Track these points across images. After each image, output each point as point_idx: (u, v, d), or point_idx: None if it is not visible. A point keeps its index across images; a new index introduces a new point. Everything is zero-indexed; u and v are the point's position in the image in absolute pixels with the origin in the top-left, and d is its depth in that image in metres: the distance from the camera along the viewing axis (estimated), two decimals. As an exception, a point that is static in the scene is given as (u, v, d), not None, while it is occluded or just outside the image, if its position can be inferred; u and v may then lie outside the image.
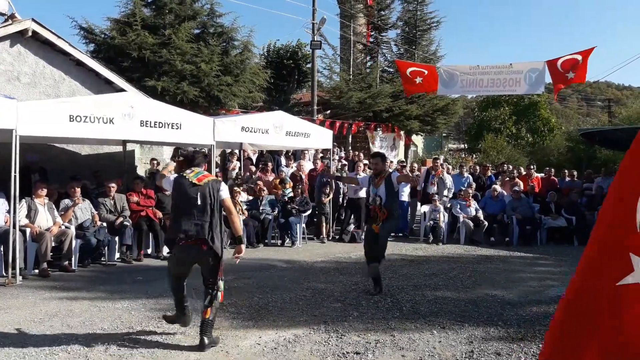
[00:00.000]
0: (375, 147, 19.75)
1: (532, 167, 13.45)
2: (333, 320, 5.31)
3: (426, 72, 15.23)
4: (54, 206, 7.83)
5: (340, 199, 11.73)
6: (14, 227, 6.73)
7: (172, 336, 4.76)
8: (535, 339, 4.84)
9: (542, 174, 13.55)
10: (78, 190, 8.06)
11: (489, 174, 13.40)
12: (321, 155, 13.81)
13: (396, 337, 4.86)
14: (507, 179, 12.56)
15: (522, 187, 11.85)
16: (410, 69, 15.23)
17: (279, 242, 10.36)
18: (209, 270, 4.51)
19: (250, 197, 10.73)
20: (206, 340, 4.37)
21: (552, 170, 13.61)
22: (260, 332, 4.94)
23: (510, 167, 14.28)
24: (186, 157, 4.89)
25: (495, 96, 30.21)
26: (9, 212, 7.14)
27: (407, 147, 24.06)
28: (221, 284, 4.53)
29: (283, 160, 13.39)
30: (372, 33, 24.04)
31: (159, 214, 8.88)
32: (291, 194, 10.95)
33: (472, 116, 37.19)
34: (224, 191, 4.69)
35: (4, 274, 6.88)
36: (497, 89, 15.50)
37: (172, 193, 4.70)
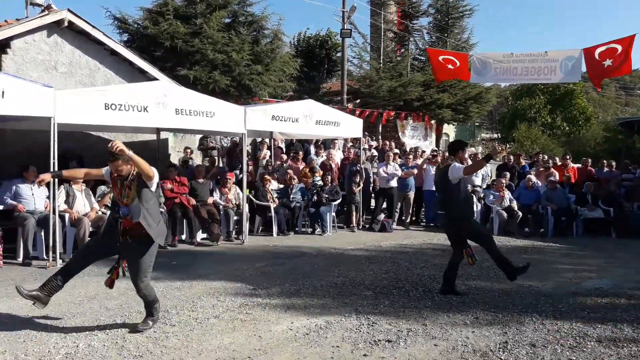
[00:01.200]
0: (406, 137, 19.57)
1: (567, 157, 13.11)
2: (364, 308, 5.31)
3: (458, 62, 14.93)
4: (90, 192, 8.02)
5: (371, 188, 11.69)
6: (54, 212, 6.93)
7: (206, 320, 4.84)
8: (572, 331, 4.74)
9: (579, 164, 13.21)
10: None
11: (523, 163, 13.13)
12: (351, 144, 13.77)
13: (428, 326, 4.82)
14: (542, 169, 12.30)
15: (557, 177, 11.59)
16: (441, 57, 14.96)
17: (309, 230, 10.39)
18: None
19: (281, 186, 10.78)
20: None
21: (589, 160, 13.25)
22: (292, 317, 4.98)
23: (545, 157, 13.95)
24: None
25: (530, 85, 29.52)
26: (48, 198, 7.35)
27: (438, 137, 23.76)
28: None
29: (313, 149, 13.40)
30: (403, 21, 23.73)
31: (192, 201, 9.01)
32: (320, 183, 10.95)
33: (505, 105, 36.46)
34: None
35: (45, 258, 7.11)
36: (532, 77, 15.08)
37: None
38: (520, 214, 10.75)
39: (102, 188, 8.17)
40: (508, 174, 12.15)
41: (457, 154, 5.98)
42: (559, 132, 31.03)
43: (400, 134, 19.65)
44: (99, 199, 8.06)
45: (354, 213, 10.97)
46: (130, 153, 4.31)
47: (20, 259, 7.14)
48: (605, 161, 13.33)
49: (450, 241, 6.14)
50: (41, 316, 4.82)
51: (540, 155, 14.24)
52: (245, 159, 9.45)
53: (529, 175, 11.55)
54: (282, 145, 13.22)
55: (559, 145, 27.90)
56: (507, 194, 11.11)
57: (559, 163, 12.82)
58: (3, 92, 6.25)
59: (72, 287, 5.85)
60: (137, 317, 4.86)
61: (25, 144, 9.03)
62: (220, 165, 12.33)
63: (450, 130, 30.45)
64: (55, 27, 9.54)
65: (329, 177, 10.83)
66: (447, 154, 13.12)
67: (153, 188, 4.50)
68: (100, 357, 3.94)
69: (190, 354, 4.04)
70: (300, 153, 12.12)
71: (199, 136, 12.91)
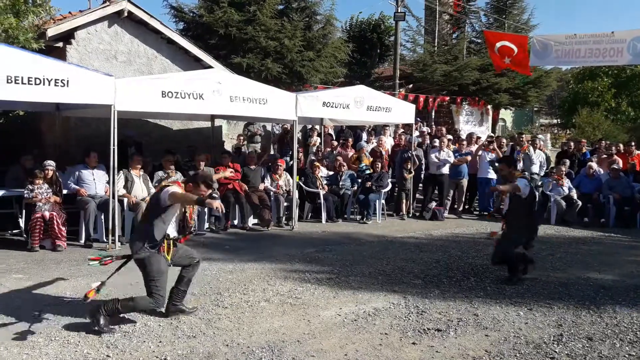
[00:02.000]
0: (461, 122, 19.10)
1: (632, 143, 12.43)
2: (413, 296, 5.27)
3: (516, 50, 14.35)
4: (148, 178, 8.32)
5: (422, 175, 11.52)
6: (113, 197, 7.24)
7: (257, 303, 4.95)
8: (632, 326, 4.54)
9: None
10: (172, 163, 8.49)
11: (584, 150, 12.57)
12: (402, 130, 13.59)
13: (479, 316, 4.74)
14: (605, 156, 11.73)
15: (620, 164, 11.02)
16: (499, 44, 14.42)
17: (358, 217, 10.37)
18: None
19: (331, 172, 10.80)
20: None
21: (656, 147, 12.51)
22: (340, 303, 5.01)
23: (604, 143, 13.29)
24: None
25: (593, 67, 28.09)
26: (108, 183, 7.68)
27: (494, 122, 23.06)
28: None
29: (364, 136, 13.31)
30: (459, 2, 23.06)
31: (245, 187, 9.18)
32: (368, 170, 10.88)
33: (566, 89, 34.90)
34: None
35: (105, 240, 7.45)
36: (596, 59, 14.34)
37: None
38: (579, 203, 10.32)
39: (159, 174, 8.44)
40: (568, 162, 11.66)
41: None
42: (624, 117, 29.40)
43: (454, 119, 19.22)
44: (156, 184, 8.33)
45: (404, 201, 10.85)
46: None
47: (82, 241, 7.51)
48: (674, 148, 12.55)
49: None
50: (102, 296, 5.05)
51: (603, 142, 13.58)
52: (295, 145, 9.52)
53: (590, 163, 11.04)
54: (332, 132, 13.21)
55: (623, 131, 26.46)
56: (567, 183, 10.68)
57: (623, 150, 12.18)
58: (68, 81, 6.54)
59: (128, 270, 6.12)
60: (190, 298, 5.03)
61: (87, 131, 9.46)
62: (272, 152, 12.48)
63: (507, 116, 29.49)
64: (115, 18, 9.89)
65: (379, 164, 10.75)
66: (503, 140, 12.75)
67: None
68: (156, 336, 4.11)
69: (241, 336, 4.15)
70: (350, 140, 12.07)
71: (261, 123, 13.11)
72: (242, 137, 12.05)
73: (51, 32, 8.94)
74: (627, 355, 3.93)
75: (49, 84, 6.40)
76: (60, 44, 9.45)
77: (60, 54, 9.21)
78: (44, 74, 6.35)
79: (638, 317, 4.78)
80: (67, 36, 9.43)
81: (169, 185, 4.46)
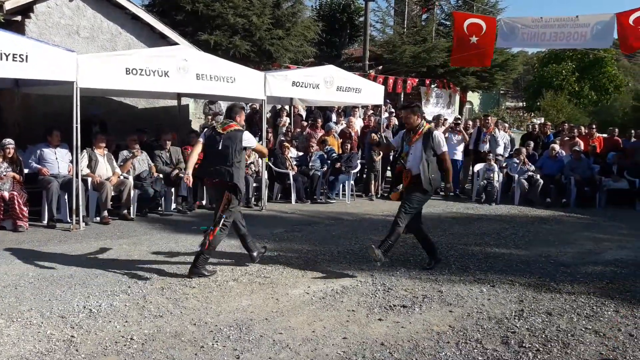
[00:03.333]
0: (430, 104, 19.26)
1: (593, 126, 12.79)
2: (380, 274, 5.35)
3: (484, 28, 14.45)
4: (112, 157, 8.14)
5: (391, 157, 11.60)
6: (77, 176, 7.06)
7: (226, 283, 4.94)
8: (589, 301, 4.72)
9: (605, 134, 12.88)
10: (137, 142, 8.32)
11: (549, 132, 12.88)
12: (371, 111, 13.62)
13: (444, 293, 4.85)
14: (567, 138, 12.04)
15: (582, 147, 11.35)
16: (468, 21, 14.49)
17: (327, 198, 10.41)
18: (218, 207, 5.15)
19: (300, 153, 10.78)
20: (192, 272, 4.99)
21: (616, 130, 12.91)
22: (309, 282, 5.05)
23: (566, 125, 13.64)
24: (227, 108, 5.56)
25: (558, 51, 28.65)
26: (71, 162, 7.49)
27: (462, 104, 23.35)
28: (221, 220, 5.02)
29: (334, 117, 13.30)
30: (428, -16, 23.08)
31: (212, 167, 9.07)
32: (333, 152, 10.90)
33: (532, 73, 35.55)
34: (247, 140, 5.20)
35: (69, 221, 7.29)
36: (561, 42, 14.58)
37: (204, 142, 5.27)
38: (541, 181, 10.58)
39: (124, 153, 8.28)
40: (532, 143, 11.94)
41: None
42: (586, 101, 30.20)
43: (424, 101, 19.34)
44: (121, 164, 8.17)
45: (373, 181, 10.95)
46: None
47: (45, 222, 7.34)
48: (633, 131, 12.98)
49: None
50: (65, 276, 4.98)
51: (565, 124, 13.93)
52: (264, 126, 9.44)
53: (552, 145, 11.33)
54: (303, 113, 13.15)
55: (585, 114, 27.22)
56: (529, 165, 10.93)
57: (585, 132, 12.53)
58: (27, 56, 6.31)
59: (94, 250, 6.03)
60: (158, 278, 4.99)
61: (49, 109, 9.15)
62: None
63: (474, 98, 29.90)
64: (76, -9, 9.54)
65: (348, 145, 10.78)
66: (470, 122, 12.93)
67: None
68: (122, 316, 4.07)
69: (209, 315, 4.15)
70: (320, 120, 12.04)
71: (221, 102, 12.92)
72: (209, 117, 11.87)
73: (9, 5, 8.57)
74: (583, 329, 4.09)
75: (7, 59, 6.18)
76: (19, 18, 9.07)
77: (19, 28, 8.84)
78: (1, 48, 6.11)
79: (595, 293, 4.97)
80: (26, 9, 9.05)
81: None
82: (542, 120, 15.96)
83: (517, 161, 10.97)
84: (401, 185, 5.55)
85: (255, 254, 5.48)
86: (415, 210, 5.41)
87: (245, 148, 5.24)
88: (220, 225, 5.02)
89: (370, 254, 5.25)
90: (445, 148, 5.44)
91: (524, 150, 11.22)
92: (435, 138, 5.35)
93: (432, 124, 11.73)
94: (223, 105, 12.63)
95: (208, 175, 5.25)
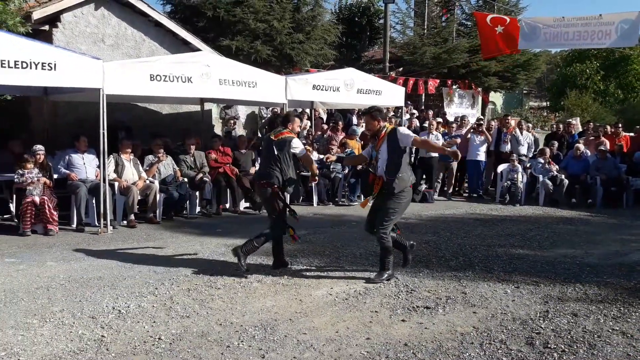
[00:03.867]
0: (453, 105, 19.11)
1: (619, 125, 12.56)
2: (403, 276, 5.36)
3: (508, 20, 14.41)
4: (138, 162, 8.31)
5: (412, 158, 11.57)
6: (104, 181, 7.24)
7: (250, 284, 5.01)
8: (615, 302, 4.66)
9: (632, 133, 12.65)
10: (162, 147, 8.48)
11: (573, 132, 12.70)
12: (392, 113, 13.61)
13: (468, 294, 4.84)
14: (592, 137, 11.87)
15: (608, 146, 11.16)
16: (490, 17, 14.46)
17: (349, 200, 10.43)
18: (269, 209, 5.45)
19: (321, 156, 10.81)
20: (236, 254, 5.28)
21: (644, 128, 12.66)
22: (332, 283, 5.09)
23: (595, 125, 13.43)
24: (283, 116, 5.95)
25: (582, 50, 28.15)
26: (98, 167, 7.67)
27: (484, 105, 23.13)
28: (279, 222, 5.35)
29: (354, 119, 13.33)
30: (448, -15, 22.95)
31: (236, 171, 9.20)
32: (354, 154, 10.91)
33: (555, 72, 35.02)
34: (295, 147, 5.39)
35: (97, 224, 7.46)
36: (584, 42, 14.38)
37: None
38: (566, 181, 10.43)
39: (149, 158, 8.44)
40: (556, 143, 11.80)
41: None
42: (612, 99, 29.60)
43: (445, 102, 19.23)
44: (147, 168, 8.33)
45: (395, 183, 10.91)
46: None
47: (74, 225, 7.52)
48: (661, 129, 12.71)
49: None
50: (95, 278, 5.11)
51: (591, 124, 13.71)
52: (286, 128, 9.49)
53: (577, 144, 11.17)
54: (323, 116, 13.20)
55: (611, 113, 26.67)
56: (552, 165, 10.79)
57: (610, 132, 12.33)
58: (55, 65, 6.50)
59: (122, 253, 6.17)
60: (184, 280, 5.09)
61: (76, 115, 9.39)
62: (260, 135, 12.46)
63: (497, 99, 29.60)
64: (102, 0, 9.77)
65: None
66: (493, 123, 12.81)
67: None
68: (150, 317, 4.16)
69: (234, 315, 4.22)
70: (340, 123, 12.08)
71: (241, 107, 13.06)
72: (232, 121, 12.02)
73: (37, 15, 8.82)
74: (610, 330, 4.04)
75: (36, 68, 6.37)
76: (46, 27, 9.33)
77: (47, 38, 9.09)
78: (30, 57, 6.32)
79: (622, 294, 4.90)
80: (53, 19, 9.31)
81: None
82: (578, 120, 15.68)
83: (542, 161, 10.84)
84: (371, 194, 5.25)
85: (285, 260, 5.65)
86: (395, 220, 5.22)
87: (293, 154, 5.41)
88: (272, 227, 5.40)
89: (384, 280, 5.17)
90: (412, 134, 5.15)
91: (547, 150, 11.09)
92: (398, 133, 5.09)
93: (396, 122, 11.73)
94: (239, 110, 12.77)
95: (258, 178, 5.56)
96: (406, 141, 5.05)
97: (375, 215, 5.22)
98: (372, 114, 5.23)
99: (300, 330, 3.94)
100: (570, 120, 14.16)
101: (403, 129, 5.28)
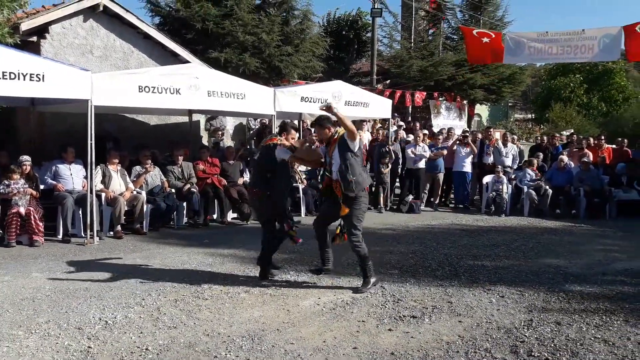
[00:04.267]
0: (441, 117, 19.32)
1: (602, 137, 12.80)
2: (390, 286, 5.41)
3: (493, 35, 14.70)
4: (126, 172, 8.29)
5: (399, 169, 11.69)
6: (91, 192, 7.21)
7: (237, 294, 5.02)
8: (598, 311, 4.74)
9: (614, 145, 12.89)
10: (149, 158, 8.48)
11: (557, 144, 12.92)
12: (379, 125, 13.73)
13: (453, 303, 4.89)
14: (575, 149, 12.07)
15: (591, 158, 11.36)
16: (476, 31, 14.75)
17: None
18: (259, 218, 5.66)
19: (309, 167, 10.87)
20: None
21: (626, 140, 12.91)
22: (319, 293, 5.12)
23: (575, 137, 13.67)
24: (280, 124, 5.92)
25: (566, 64, 28.63)
26: (85, 177, 7.65)
27: (470, 117, 23.39)
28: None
29: (342, 131, 13.41)
30: (435, -1, 23.30)
31: (224, 182, 9.21)
32: None
33: (540, 85, 35.54)
34: (279, 152, 5.35)
35: (83, 235, 7.42)
36: (568, 56, 14.67)
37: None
38: (550, 191, 10.59)
39: (137, 169, 8.43)
40: (541, 155, 11.98)
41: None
42: (596, 112, 30.11)
43: (433, 114, 19.43)
44: (134, 179, 8.32)
45: (382, 194, 11.01)
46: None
47: (60, 236, 7.47)
48: (642, 142, 12.98)
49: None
50: (81, 289, 5.09)
51: (574, 136, 13.95)
52: (274, 140, 9.54)
53: (561, 156, 11.36)
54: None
55: (595, 126, 27.13)
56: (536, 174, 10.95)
57: (593, 144, 12.55)
58: (43, 76, 6.50)
59: (108, 264, 6.15)
60: (171, 290, 5.08)
61: (64, 126, 9.35)
62: (248, 146, 12.50)
63: (483, 111, 29.95)
64: (90, 12, 9.79)
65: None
66: (479, 135, 12.97)
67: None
68: (137, 327, 4.16)
69: (222, 326, 4.23)
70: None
71: (229, 118, 13.09)
72: (220, 132, 12.03)
73: (25, 26, 8.81)
74: (592, 338, 4.11)
75: (25, 79, 6.37)
76: (34, 39, 9.32)
77: (35, 49, 9.09)
78: (18, 68, 6.31)
79: (604, 303, 4.99)
80: (42, 30, 9.30)
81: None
82: (572, 131, 15.87)
83: (531, 172, 10.97)
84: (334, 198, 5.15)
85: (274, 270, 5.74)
86: (361, 224, 5.20)
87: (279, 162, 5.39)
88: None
89: (372, 287, 5.21)
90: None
91: (535, 161, 11.23)
92: (345, 135, 5.08)
93: (384, 134, 11.81)
94: (227, 121, 12.80)
95: (250, 185, 5.70)
96: (353, 143, 5.08)
97: (330, 218, 5.33)
98: (320, 124, 5.29)
99: (287, 340, 3.96)
100: (563, 132, 14.35)
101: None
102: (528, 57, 14.97)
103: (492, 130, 12.42)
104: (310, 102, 9.69)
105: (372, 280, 5.23)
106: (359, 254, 5.18)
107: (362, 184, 5.09)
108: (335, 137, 5.18)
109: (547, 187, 10.68)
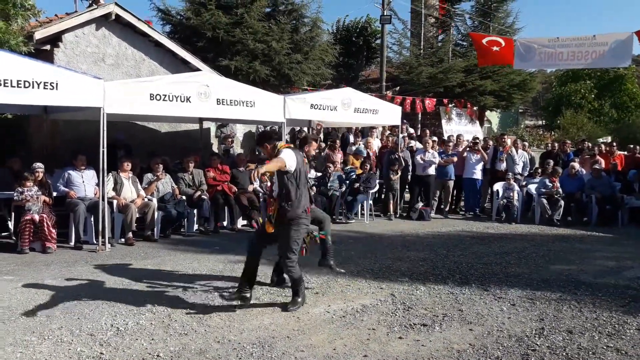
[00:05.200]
0: (452, 124, 19.28)
1: (613, 144, 12.70)
2: (400, 294, 5.40)
3: (503, 43, 14.67)
4: (137, 180, 8.36)
5: (409, 177, 11.67)
6: (103, 199, 7.28)
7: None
8: (610, 319, 4.70)
9: (626, 152, 12.79)
10: (160, 165, 8.55)
11: (568, 151, 12.84)
12: (389, 132, 13.73)
13: (464, 311, 4.87)
14: (587, 156, 11.98)
15: (602, 164, 11.27)
16: (486, 39, 14.72)
17: (347, 218, 10.48)
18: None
19: (319, 174, 10.90)
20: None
21: (638, 147, 12.80)
22: (329, 301, 5.12)
23: (590, 144, 13.57)
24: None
25: (577, 70, 28.50)
26: (97, 185, 7.73)
27: (480, 124, 23.28)
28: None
29: (351, 138, 13.44)
30: (444, 5, 23.30)
31: (234, 189, 9.26)
32: (353, 172, 11.03)
33: (550, 91, 35.37)
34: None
35: (95, 242, 7.48)
36: (579, 62, 14.63)
37: None
38: (562, 202, 10.52)
39: (148, 176, 8.50)
40: (552, 162, 11.90)
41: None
42: (607, 118, 29.89)
43: (444, 120, 19.38)
44: (146, 186, 8.39)
45: (392, 201, 11.00)
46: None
47: (72, 243, 7.54)
48: (655, 148, 12.84)
49: None
50: (93, 296, 5.13)
51: (586, 142, 13.85)
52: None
53: (572, 163, 11.28)
54: (321, 135, 13.31)
55: (606, 132, 26.93)
56: (558, 184, 10.82)
57: (605, 150, 12.46)
58: (57, 84, 6.59)
59: (119, 271, 6.19)
60: (181, 297, 5.11)
61: (75, 134, 9.47)
62: (257, 153, 12.55)
63: (493, 117, 29.84)
64: (103, 21, 9.92)
65: (367, 165, 10.89)
66: (490, 142, 12.94)
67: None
68: (148, 334, 4.18)
69: (232, 333, 4.24)
70: (338, 142, 12.20)
71: (240, 125, 13.16)
72: (230, 140, 12.11)
73: (38, 35, 8.95)
74: (605, 347, 4.08)
75: (38, 87, 6.46)
76: (48, 47, 9.45)
77: (48, 57, 9.22)
78: (33, 77, 6.41)
79: (617, 311, 4.94)
80: (55, 39, 9.44)
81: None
82: (609, 139, 15.68)
83: (548, 182, 10.82)
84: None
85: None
86: (299, 246, 4.90)
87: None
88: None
89: (299, 307, 4.87)
90: (281, 157, 4.66)
91: (550, 168, 11.08)
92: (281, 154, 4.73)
93: (393, 141, 11.83)
94: (235, 128, 12.87)
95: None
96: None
97: (269, 239, 4.94)
98: (261, 143, 5.04)
99: (297, 348, 3.97)
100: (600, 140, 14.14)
101: (285, 151, 4.77)
102: (538, 62, 14.92)
103: (506, 136, 12.36)
104: (319, 109, 9.73)
105: (300, 299, 4.89)
106: (292, 278, 4.89)
107: (296, 209, 4.75)
108: (276, 153, 4.81)
109: (559, 194, 10.56)
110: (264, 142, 4.99)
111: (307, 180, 5.17)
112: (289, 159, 4.67)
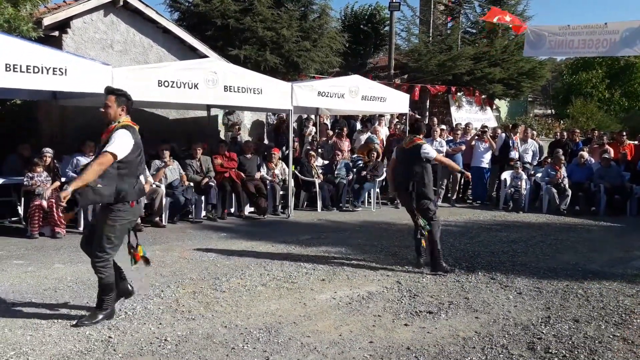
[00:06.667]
0: (462, 111, 19.17)
1: (623, 133, 12.58)
2: (406, 281, 5.41)
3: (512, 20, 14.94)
4: (145, 166, 8.38)
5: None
6: (111, 184, 7.30)
7: (254, 287, 5.07)
8: (617, 309, 4.70)
9: (636, 141, 12.66)
10: (168, 152, 8.57)
11: (577, 140, 12.74)
12: (397, 120, 13.68)
13: (470, 299, 4.88)
14: (596, 145, 11.89)
15: (612, 154, 11.18)
16: (498, 16, 15.02)
17: (353, 206, 10.47)
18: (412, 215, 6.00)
19: (326, 162, 10.90)
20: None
21: (648, 137, 12.69)
22: (335, 287, 5.15)
23: (600, 132, 13.44)
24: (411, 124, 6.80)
25: (587, 58, 28.17)
26: (106, 171, 7.75)
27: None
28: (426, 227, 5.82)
29: (358, 125, 13.41)
30: (454, -7, 23.06)
31: (241, 175, 9.29)
32: (360, 160, 11.03)
33: (560, 80, 35.02)
34: (426, 151, 5.81)
35: (104, 227, 7.52)
36: (589, 50, 14.51)
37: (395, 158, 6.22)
38: (569, 191, 10.45)
39: (156, 163, 8.53)
40: (560, 151, 11.81)
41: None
42: (617, 108, 29.58)
43: (453, 108, 19.27)
44: (154, 173, 8.42)
45: (399, 189, 10.97)
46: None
47: (81, 228, 7.60)
48: (665, 138, 12.73)
49: None
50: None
51: (595, 132, 13.73)
52: (291, 135, 9.60)
53: (581, 152, 11.20)
54: (328, 122, 13.29)
55: (617, 121, 26.68)
56: (563, 172, 10.75)
57: (614, 139, 12.34)
58: (66, 70, 6.61)
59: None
60: (189, 283, 5.15)
61: (84, 120, 9.48)
62: (266, 141, 12.56)
63: (502, 106, 29.61)
64: (111, 7, 9.90)
65: (375, 154, 10.86)
66: (499, 130, 12.87)
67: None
68: (156, 319, 4.23)
69: (239, 318, 4.28)
70: (345, 129, 12.17)
71: (247, 113, 13.15)
72: (237, 127, 12.10)
73: (47, 21, 8.95)
74: (611, 336, 4.08)
75: (47, 73, 6.47)
76: (56, 33, 9.45)
77: (56, 43, 9.22)
78: (42, 62, 6.42)
79: (624, 301, 4.93)
80: (63, 25, 9.43)
81: None
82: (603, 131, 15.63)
83: (550, 169, 10.76)
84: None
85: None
86: (120, 241, 4.13)
87: (427, 160, 5.82)
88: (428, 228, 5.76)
89: (97, 323, 4.05)
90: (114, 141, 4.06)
91: (560, 158, 10.94)
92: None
93: (401, 129, 11.81)
94: (241, 116, 12.86)
95: (399, 187, 6.05)
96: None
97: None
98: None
99: (304, 333, 4.00)
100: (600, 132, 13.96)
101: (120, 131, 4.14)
102: (549, 50, 14.84)
103: (519, 125, 12.30)
104: (327, 96, 9.69)
105: (101, 316, 4.05)
106: (100, 281, 4.04)
107: (103, 194, 3.88)
108: (113, 126, 4.19)
109: (567, 185, 10.49)
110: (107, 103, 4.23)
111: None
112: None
